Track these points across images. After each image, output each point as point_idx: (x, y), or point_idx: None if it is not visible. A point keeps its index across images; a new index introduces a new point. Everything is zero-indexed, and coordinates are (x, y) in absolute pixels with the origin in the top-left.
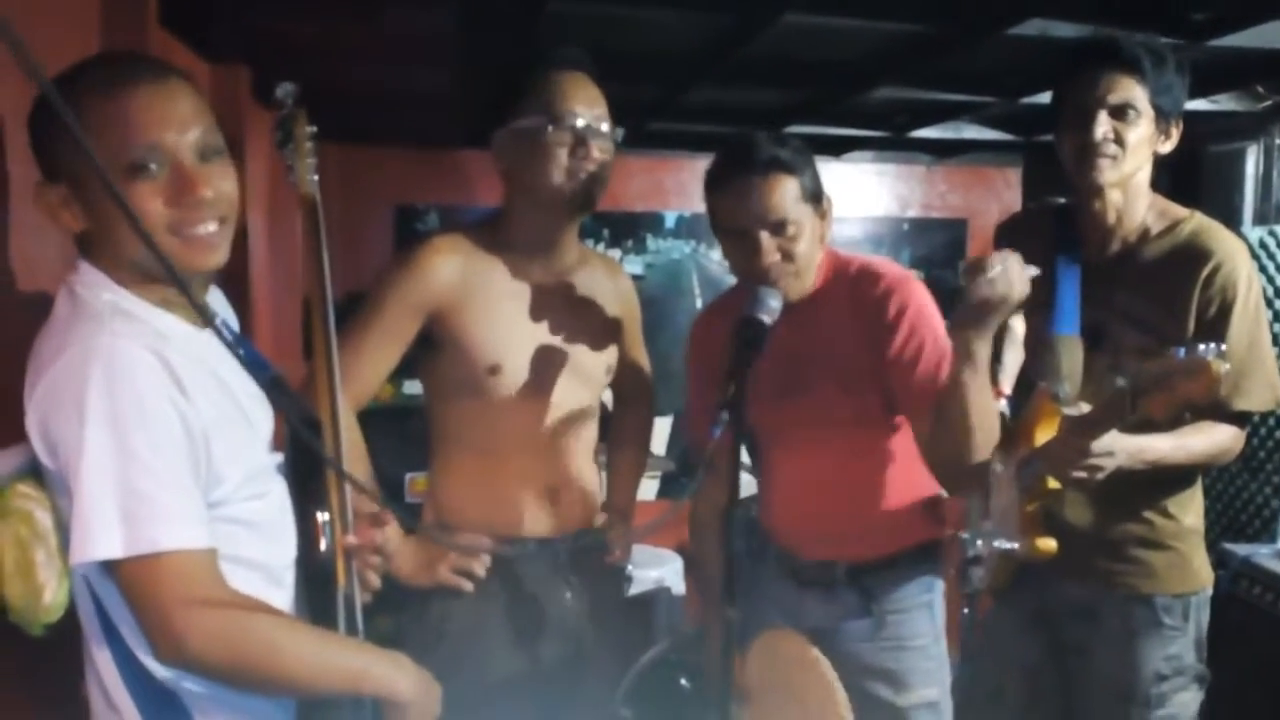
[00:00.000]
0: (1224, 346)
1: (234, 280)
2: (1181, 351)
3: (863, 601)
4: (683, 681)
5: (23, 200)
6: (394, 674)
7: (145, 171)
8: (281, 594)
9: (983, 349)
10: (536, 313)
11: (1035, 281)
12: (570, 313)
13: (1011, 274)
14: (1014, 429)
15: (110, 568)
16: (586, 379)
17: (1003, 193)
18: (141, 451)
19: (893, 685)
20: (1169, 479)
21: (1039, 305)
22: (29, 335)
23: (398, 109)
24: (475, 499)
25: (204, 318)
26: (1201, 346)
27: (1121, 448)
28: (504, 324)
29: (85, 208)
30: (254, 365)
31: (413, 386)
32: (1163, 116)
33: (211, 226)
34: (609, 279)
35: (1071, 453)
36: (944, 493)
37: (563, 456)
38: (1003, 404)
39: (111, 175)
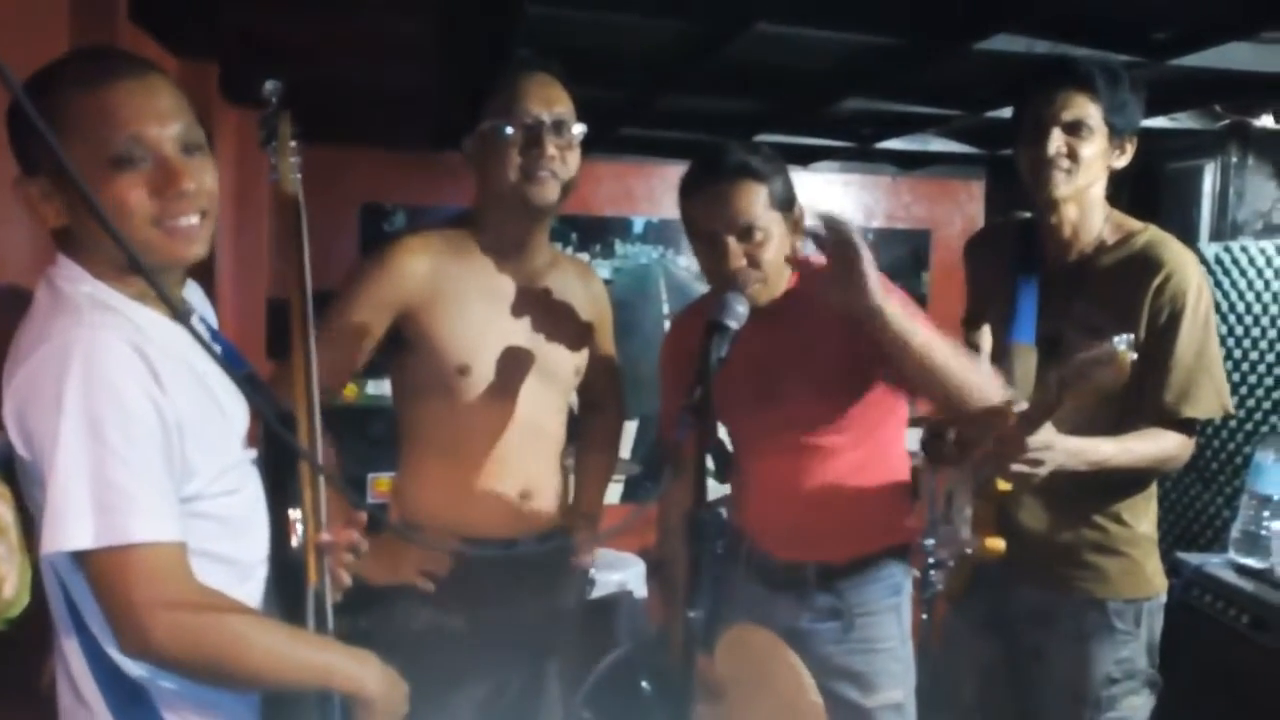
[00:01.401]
0: (1132, 337)
1: (200, 279)
2: (1096, 345)
3: (832, 603)
4: (643, 684)
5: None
6: (360, 671)
7: (129, 163)
8: (252, 589)
9: (878, 305)
10: (506, 314)
11: (998, 294)
12: (541, 315)
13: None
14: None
15: (80, 559)
16: (555, 381)
17: (966, 205)
18: (116, 444)
19: (860, 687)
20: (1123, 486)
21: (1001, 317)
22: (3, 329)
23: (367, 109)
24: (441, 499)
25: (176, 313)
26: (1115, 338)
27: (1062, 446)
28: (474, 325)
29: (65, 202)
30: (229, 361)
31: (377, 387)
32: (1116, 133)
33: (194, 219)
34: (580, 282)
35: (1009, 448)
36: (911, 496)
37: (530, 458)
38: None
39: (95, 168)
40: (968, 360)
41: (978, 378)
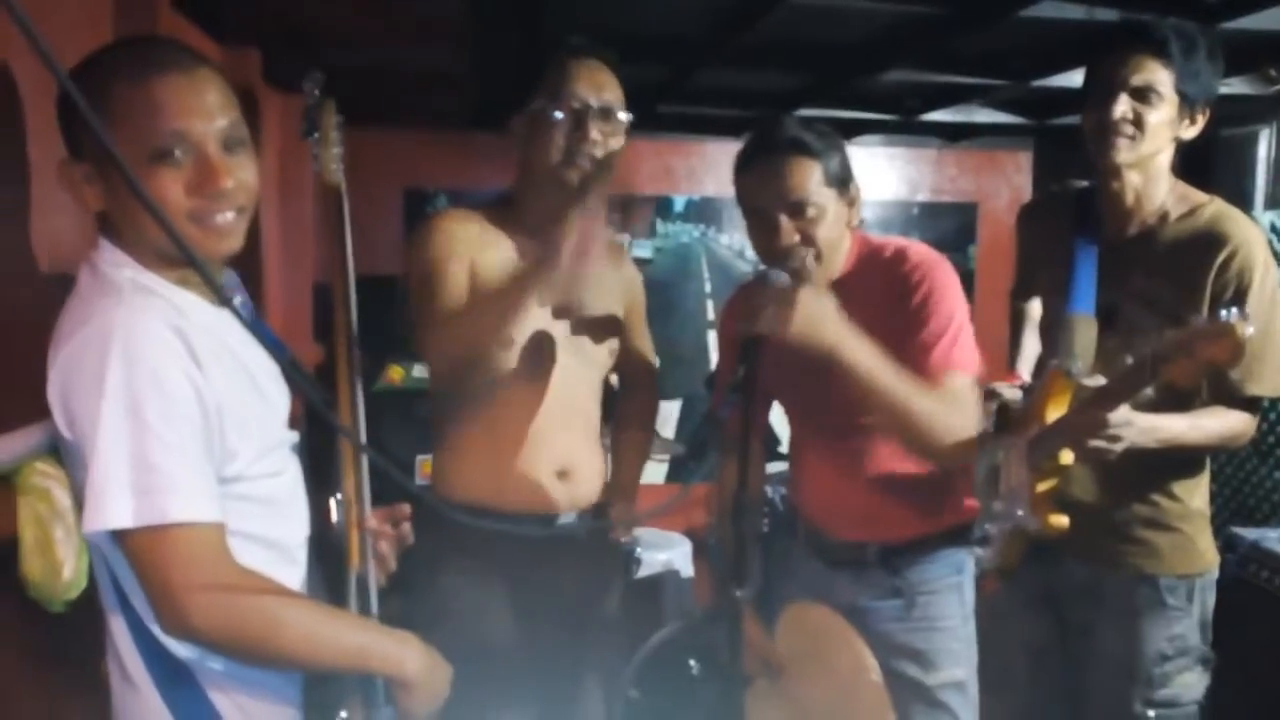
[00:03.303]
0: (1247, 312)
1: (246, 264)
2: (1203, 318)
3: (893, 582)
4: (691, 663)
5: (42, 180)
6: (400, 653)
7: (170, 159)
8: (294, 571)
9: (846, 347)
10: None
11: (1055, 263)
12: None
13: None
14: (1026, 408)
15: (119, 539)
16: (590, 361)
17: (1013, 176)
18: (156, 425)
19: (921, 665)
20: (1176, 461)
21: (1056, 286)
22: (46, 314)
23: (408, 90)
24: (480, 477)
25: (221, 298)
26: (1224, 312)
27: (1138, 423)
28: None
29: (107, 187)
30: (270, 346)
31: (423, 370)
32: (1187, 102)
33: (229, 215)
34: (614, 265)
35: (1090, 423)
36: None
37: (567, 436)
38: (1017, 391)
39: (135, 160)
40: (936, 401)
41: (949, 419)
